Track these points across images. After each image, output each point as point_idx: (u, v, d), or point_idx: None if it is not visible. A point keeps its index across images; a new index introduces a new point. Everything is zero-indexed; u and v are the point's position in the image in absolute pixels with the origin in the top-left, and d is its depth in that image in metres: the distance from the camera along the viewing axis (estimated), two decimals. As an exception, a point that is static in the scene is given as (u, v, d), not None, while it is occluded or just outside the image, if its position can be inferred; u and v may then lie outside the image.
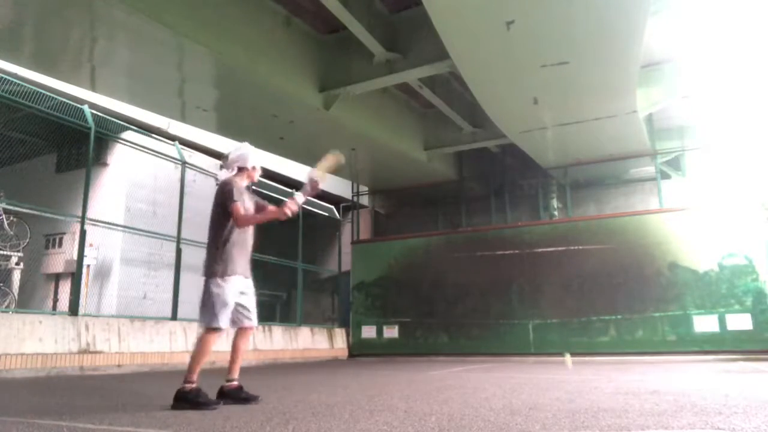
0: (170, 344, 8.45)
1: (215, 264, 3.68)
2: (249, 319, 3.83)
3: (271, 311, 14.70)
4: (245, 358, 9.79)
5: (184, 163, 10.00)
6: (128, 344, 7.75)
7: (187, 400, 3.47)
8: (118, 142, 9.62)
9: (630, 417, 2.95)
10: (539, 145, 12.62)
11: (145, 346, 8.01)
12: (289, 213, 3.74)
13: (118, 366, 7.46)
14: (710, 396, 3.95)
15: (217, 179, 3.90)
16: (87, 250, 8.46)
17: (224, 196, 3.77)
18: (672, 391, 4.40)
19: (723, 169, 13.26)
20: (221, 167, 3.95)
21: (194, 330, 9.03)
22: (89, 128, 8.03)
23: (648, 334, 11.09)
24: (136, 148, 9.44)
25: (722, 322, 10.59)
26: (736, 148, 13.21)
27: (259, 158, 4.05)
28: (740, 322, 10.46)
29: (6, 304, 8.32)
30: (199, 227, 10.97)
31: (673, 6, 9.14)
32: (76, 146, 11.38)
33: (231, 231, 3.74)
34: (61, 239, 11.17)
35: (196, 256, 11.03)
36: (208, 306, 3.62)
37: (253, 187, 11.63)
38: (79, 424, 2.85)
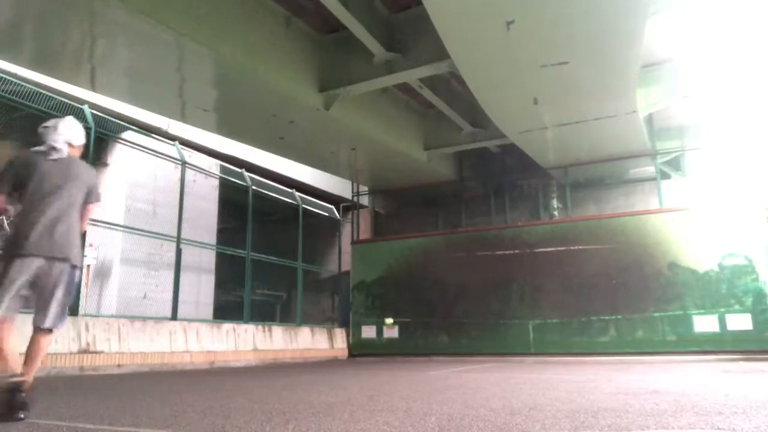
0: (170, 344, 8.44)
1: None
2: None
3: (271, 311, 14.70)
4: (245, 358, 9.80)
5: (184, 163, 10.00)
6: (128, 344, 7.75)
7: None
8: (118, 142, 9.61)
9: (630, 417, 2.95)
10: (539, 145, 12.62)
11: (145, 346, 8.01)
12: None
13: (118, 366, 7.46)
14: (710, 396, 3.95)
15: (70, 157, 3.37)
16: (87, 250, 8.46)
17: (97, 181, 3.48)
18: (672, 391, 4.40)
19: (723, 169, 13.25)
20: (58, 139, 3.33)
21: (194, 330, 9.03)
22: (89, 128, 8.03)
23: (648, 334, 11.09)
24: (136, 148, 9.43)
25: (722, 322, 10.59)
26: (736, 148, 13.20)
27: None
28: (740, 322, 10.46)
29: (6, 304, 8.29)
30: (199, 227, 11.04)
31: (673, 6, 9.13)
32: (76, 146, 11.35)
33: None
34: (61, 239, 11.14)
35: (196, 256, 11.08)
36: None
37: (254, 187, 11.69)
38: (79, 424, 2.85)
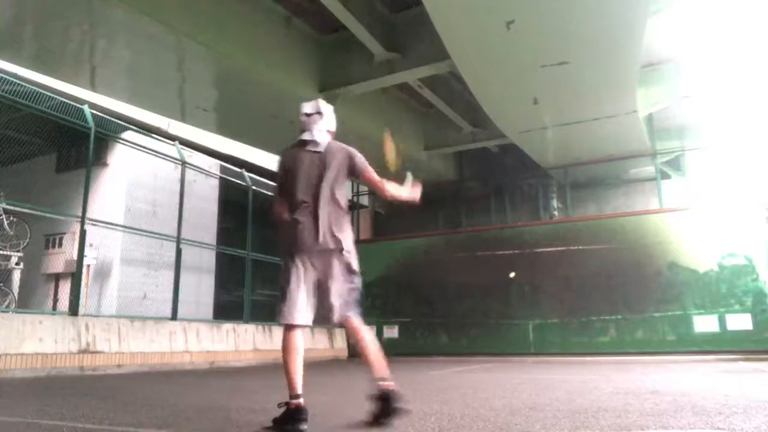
0: (170, 344, 8.43)
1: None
2: None
3: (272, 311, 14.69)
4: (245, 358, 9.80)
5: (184, 163, 9.99)
6: (128, 344, 7.74)
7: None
8: (118, 142, 9.61)
9: (630, 417, 2.95)
10: (539, 145, 12.62)
11: (145, 346, 8.00)
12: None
13: (118, 366, 7.45)
14: (710, 396, 3.94)
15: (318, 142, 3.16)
16: (87, 250, 8.45)
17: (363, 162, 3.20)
18: (672, 391, 4.40)
19: (723, 169, 13.26)
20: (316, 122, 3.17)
21: (194, 330, 9.02)
22: (89, 128, 8.02)
23: (648, 334, 11.08)
24: (136, 148, 9.43)
25: (722, 322, 10.58)
26: (736, 148, 13.20)
27: None
28: (740, 322, 10.45)
29: (6, 304, 8.30)
30: (199, 227, 11.04)
31: (673, 6, 9.14)
32: (76, 146, 11.36)
33: None
34: (61, 239, 11.15)
35: (196, 256, 11.08)
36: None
37: (254, 187, 11.69)
38: (79, 424, 2.84)
